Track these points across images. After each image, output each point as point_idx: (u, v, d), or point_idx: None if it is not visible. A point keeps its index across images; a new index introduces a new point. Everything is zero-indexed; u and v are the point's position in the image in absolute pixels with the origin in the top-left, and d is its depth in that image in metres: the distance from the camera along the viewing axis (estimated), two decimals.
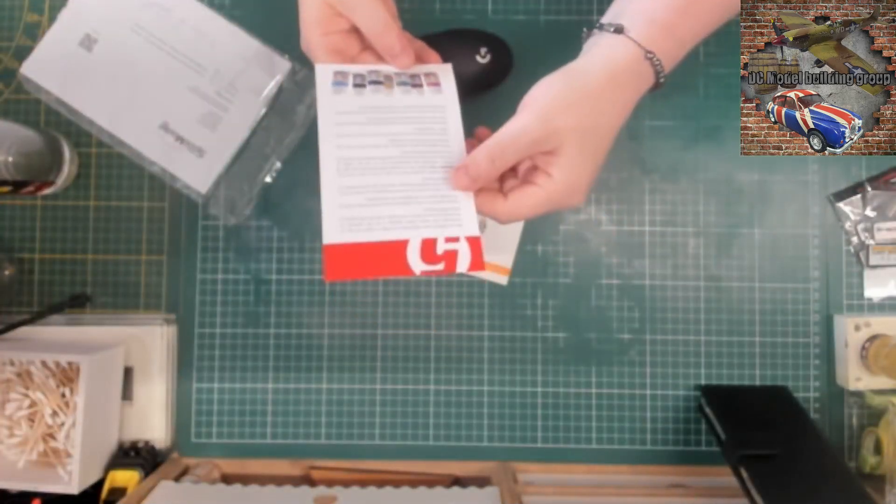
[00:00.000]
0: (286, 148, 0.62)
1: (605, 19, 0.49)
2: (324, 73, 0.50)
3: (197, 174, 0.60)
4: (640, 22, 0.47)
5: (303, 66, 0.62)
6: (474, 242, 0.46)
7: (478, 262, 0.46)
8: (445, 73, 0.52)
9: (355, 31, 0.50)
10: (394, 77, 0.51)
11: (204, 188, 0.61)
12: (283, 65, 0.61)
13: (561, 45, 0.63)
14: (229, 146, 0.60)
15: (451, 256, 0.46)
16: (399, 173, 0.48)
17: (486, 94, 0.62)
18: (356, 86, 0.50)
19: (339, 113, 0.49)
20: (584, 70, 0.46)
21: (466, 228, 0.46)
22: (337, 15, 0.49)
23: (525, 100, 0.46)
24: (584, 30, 0.50)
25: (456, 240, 0.46)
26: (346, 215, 0.46)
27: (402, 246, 0.46)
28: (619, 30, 0.47)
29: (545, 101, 0.45)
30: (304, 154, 0.63)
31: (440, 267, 0.46)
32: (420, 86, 0.51)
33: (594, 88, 0.45)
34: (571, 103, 0.45)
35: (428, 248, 0.46)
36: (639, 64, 0.46)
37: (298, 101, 0.62)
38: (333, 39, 0.50)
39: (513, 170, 0.48)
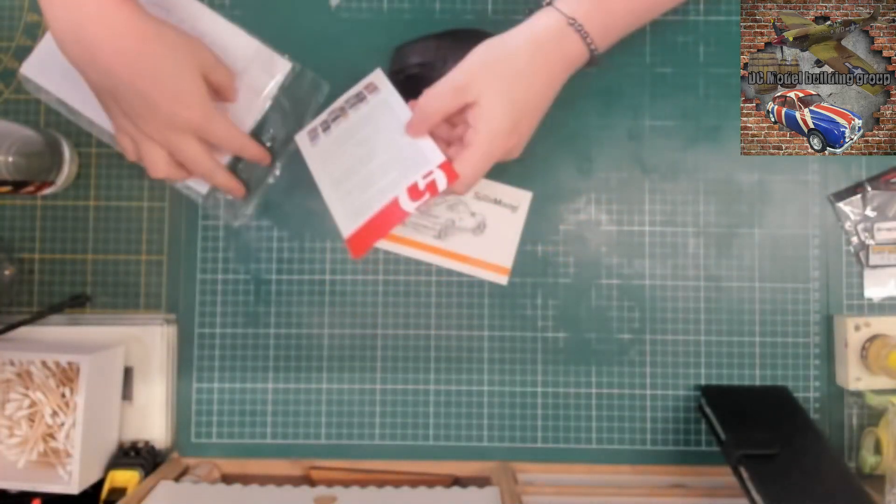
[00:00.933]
0: (287, 148, 0.62)
1: None
2: (302, 139, 0.61)
3: (195, 178, 0.60)
4: None
5: (304, 66, 0.62)
6: (445, 166, 0.53)
7: (452, 175, 0.53)
8: (378, 77, 0.60)
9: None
10: (345, 106, 0.60)
11: (204, 188, 0.61)
12: (284, 65, 0.61)
13: None
14: None
15: (431, 185, 0.53)
16: (374, 160, 0.57)
17: None
18: (324, 130, 0.60)
19: (320, 156, 0.60)
20: (510, 34, 0.53)
21: (434, 160, 0.54)
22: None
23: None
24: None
25: (431, 172, 0.53)
26: (349, 210, 0.56)
27: (395, 203, 0.54)
28: (550, 3, 0.53)
29: (470, 58, 0.52)
30: None
31: (426, 197, 0.53)
32: (364, 98, 0.59)
33: (515, 48, 0.52)
34: (492, 59, 0.52)
35: (413, 190, 0.54)
36: (562, 31, 0.52)
37: (299, 101, 0.62)
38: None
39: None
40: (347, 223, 0.56)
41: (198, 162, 0.55)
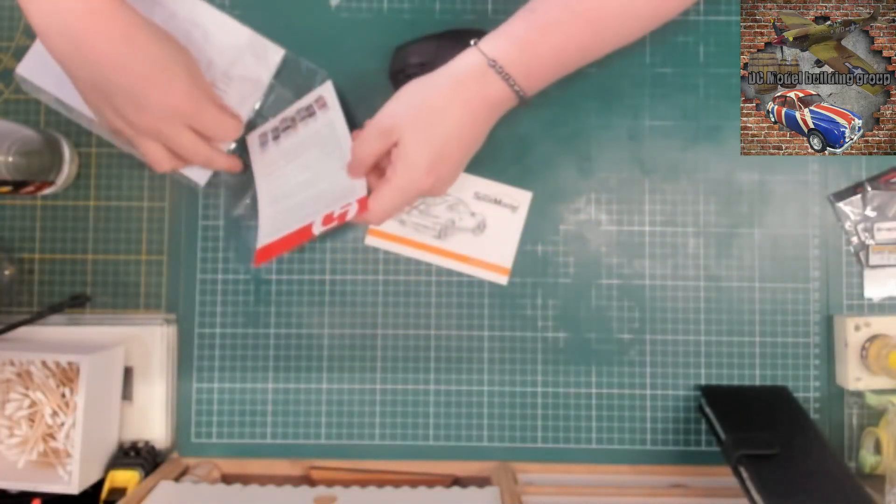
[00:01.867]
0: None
1: None
2: (252, 140, 0.62)
3: (195, 166, 0.60)
4: (497, 37, 0.53)
5: (297, 54, 0.62)
6: (361, 200, 0.54)
7: (363, 208, 0.54)
8: (328, 92, 0.61)
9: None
10: (296, 117, 0.61)
11: (203, 180, 0.61)
12: (277, 51, 0.61)
13: None
14: None
15: (343, 215, 0.54)
16: (313, 188, 0.58)
17: None
18: (274, 138, 0.61)
19: (266, 165, 0.61)
20: (434, 75, 0.53)
21: (358, 193, 0.55)
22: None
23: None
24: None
25: (349, 204, 0.55)
26: (273, 225, 0.59)
27: (309, 226, 0.56)
28: (475, 43, 0.53)
29: (394, 100, 0.53)
30: None
31: (335, 223, 0.55)
32: (313, 113, 0.60)
33: (436, 89, 0.52)
34: (414, 100, 0.53)
35: (327, 218, 0.55)
36: (483, 71, 0.52)
37: (294, 90, 0.61)
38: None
39: None
40: (266, 235, 0.58)
41: (194, 151, 0.55)
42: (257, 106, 0.61)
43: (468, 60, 0.53)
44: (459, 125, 0.52)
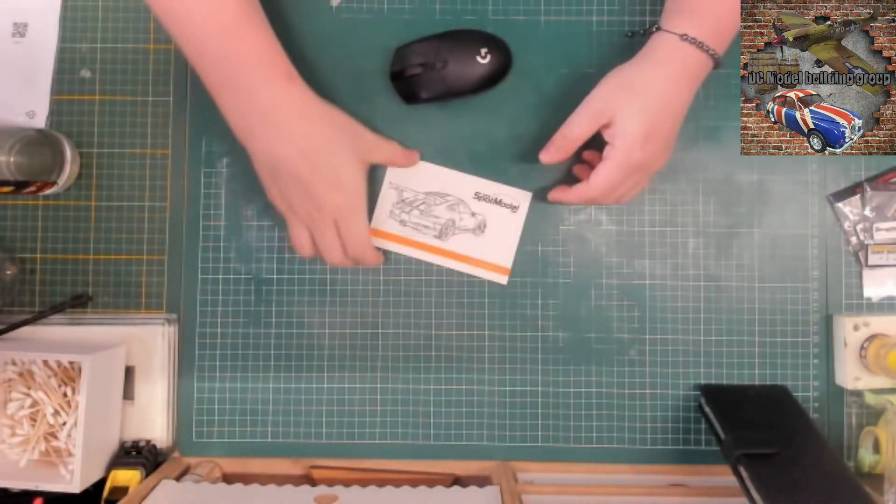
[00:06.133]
0: None
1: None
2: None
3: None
4: (673, 15, 0.56)
5: (305, 66, 0.61)
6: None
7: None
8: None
9: None
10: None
11: None
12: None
13: (560, 46, 0.64)
14: None
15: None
16: None
17: (486, 94, 0.62)
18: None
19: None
20: (633, 62, 0.57)
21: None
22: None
23: None
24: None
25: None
26: None
27: None
28: (659, 28, 0.57)
29: (600, 87, 0.56)
30: None
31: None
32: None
33: (640, 72, 0.56)
34: (620, 83, 0.56)
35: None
36: (677, 45, 0.55)
37: None
38: None
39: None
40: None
41: (331, 249, 0.57)
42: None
43: (660, 42, 0.56)
44: (666, 98, 0.55)
